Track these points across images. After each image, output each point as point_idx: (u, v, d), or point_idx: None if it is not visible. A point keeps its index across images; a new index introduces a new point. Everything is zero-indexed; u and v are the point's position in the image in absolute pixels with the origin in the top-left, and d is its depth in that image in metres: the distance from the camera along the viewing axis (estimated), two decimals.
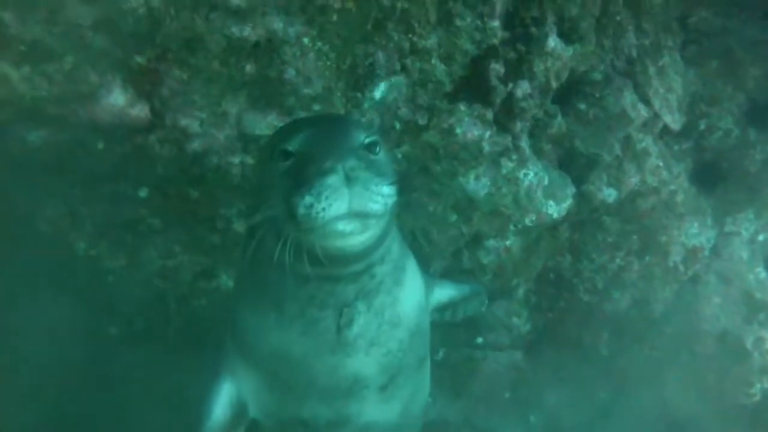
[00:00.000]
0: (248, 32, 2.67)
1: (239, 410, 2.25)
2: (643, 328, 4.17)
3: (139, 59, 2.82)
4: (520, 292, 3.67)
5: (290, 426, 2.23)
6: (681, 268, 4.11)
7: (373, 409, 2.18)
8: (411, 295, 2.18)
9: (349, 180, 1.71)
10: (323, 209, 1.69)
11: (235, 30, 2.68)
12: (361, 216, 1.76)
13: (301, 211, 1.69)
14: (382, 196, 1.75)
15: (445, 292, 2.70)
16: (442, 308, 2.70)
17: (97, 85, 2.91)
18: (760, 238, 4.49)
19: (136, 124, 2.97)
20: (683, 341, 4.32)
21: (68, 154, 3.20)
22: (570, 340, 4.00)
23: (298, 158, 1.82)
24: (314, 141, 1.85)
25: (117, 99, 2.92)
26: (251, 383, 2.21)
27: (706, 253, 4.23)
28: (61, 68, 2.88)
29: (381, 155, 1.94)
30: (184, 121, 2.89)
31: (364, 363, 2.07)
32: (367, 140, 1.91)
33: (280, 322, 2.06)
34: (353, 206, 1.72)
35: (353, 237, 1.82)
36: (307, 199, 1.68)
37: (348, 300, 2.00)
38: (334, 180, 1.69)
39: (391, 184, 1.79)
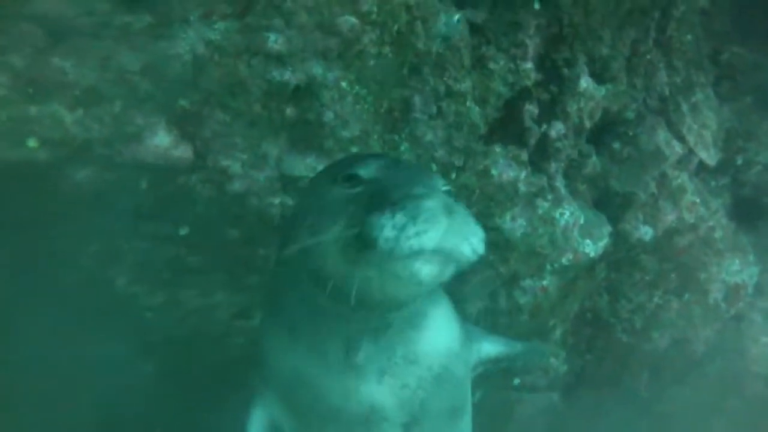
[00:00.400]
0: (288, 76, 2.75)
1: None
2: (685, 369, 4.04)
3: (183, 102, 2.94)
4: (558, 332, 3.61)
5: None
6: (723, 306, 4.00)
7: None
8: (433, 339, 2.09)
9: (448, 210, 1.49)
10: (416, 234, 1.44)
11: (275, 74, 2.77)
12: (448, 258, 1.54)
13: (388, 233, 1.44)
14: (476, 240, 1.57)
15: (495, 348, 2.57)
16: (495, 361, 2.57)
17: (143, 126, 3.03)
18: None
19: (179, 165, 3.07)
20: (729, 383, 4.16)
21: (113, 192, 3.31)
22: (608, 381, 3.89)
23: (374, 185, 1.64)
24: (393, 170, 1.70)
25: (161, 140, 3.03)
26: (278, 408, 2.18)
27: (750, 290, 4.11)
28: (110, 111, 3.02)
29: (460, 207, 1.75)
30: (225, 162, 2.97)
31: (378, 391, 1.99)
32: (444, 188, 1.78)
33: (292, 341, 2.03)
34: (446, 242, 1.49)
35: (426, 279, 1.57)
36: (399, 219, 1.44)
37: (357, 330, 1.94)
38: (433, 204, 1.48)
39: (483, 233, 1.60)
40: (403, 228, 1.44)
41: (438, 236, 1.47)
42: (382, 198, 1.51)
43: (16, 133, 2.98)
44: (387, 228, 1.45)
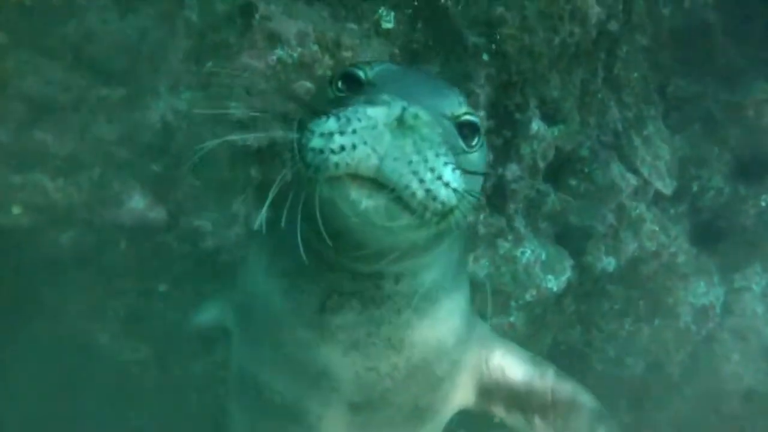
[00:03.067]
0: (251, 140, 2.94)
1: (218, 329, 2.23)
2: (662, 392, 4.12)
3: (155, 167, 3.11)
4: None
5: (248, 388, 1.95)
6: (693, 328, 4.11)
7: (337, 425, 1.83)
8: (429, 329, 1.77)
9: (402, 128, 1.14)
10: (341, 148, 1.13)
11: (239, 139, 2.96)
12: (391, 192, 1.18)
13: (315, 142, 1.15)
14: (439, 179, 1.18)
15: (516, 366, 2.01)
16: (511, 387, 1.99)
17: (120, 191, 3.20)
18: None
19: (155, 225, 3.22)
20: (707, 403, 4.24)
21: (94, 252, 3.45)
22: None
23: (366, 89, 1.35)
24: (399, 75, 1.39)
25: (137, 203, 3.19)
26: (233, 321, 2.08)
27: (718, 311, 4.23)
28: (89, 178, 3.18)
29: (475, 154, 1.44)
30: (197, 222, 3.13)
31: (340, 362, 1.73)
32: (465, 117, 1.42)
33: (269, 272, 1.79)
34: (385, 168, 1.15)
35: (367, 214, 1.23)
36: (328, 125, 1.14)
37: (342, 290, 1.65)
38: (378, 114, 1.14)
39: (462, 174, 1.22)
40: (329, 138, 1.14)
41: (374, 158, 1.14)
42: (347, 103, 1.21)
43: (0, 201, 3.15)
44: (315, 136, 1.16)
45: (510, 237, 3.33)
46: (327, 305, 1.67)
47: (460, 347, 1.89)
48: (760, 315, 4.36)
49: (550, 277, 3.43)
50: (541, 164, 3.38)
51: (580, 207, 3.59)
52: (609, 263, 3.69)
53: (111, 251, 3.41)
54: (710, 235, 4.20)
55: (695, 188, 4.19)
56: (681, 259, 3.96)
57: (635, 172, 3.74)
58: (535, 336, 3.60)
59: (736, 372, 4.15)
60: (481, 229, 3.25)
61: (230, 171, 3.00)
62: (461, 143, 1.42)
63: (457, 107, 1.43)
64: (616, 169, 3.64)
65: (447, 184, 1.21)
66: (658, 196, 3.98)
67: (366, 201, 1.22)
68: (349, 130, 1.15)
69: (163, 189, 3.12)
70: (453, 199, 1.23)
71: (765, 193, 4.14)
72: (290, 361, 1.78)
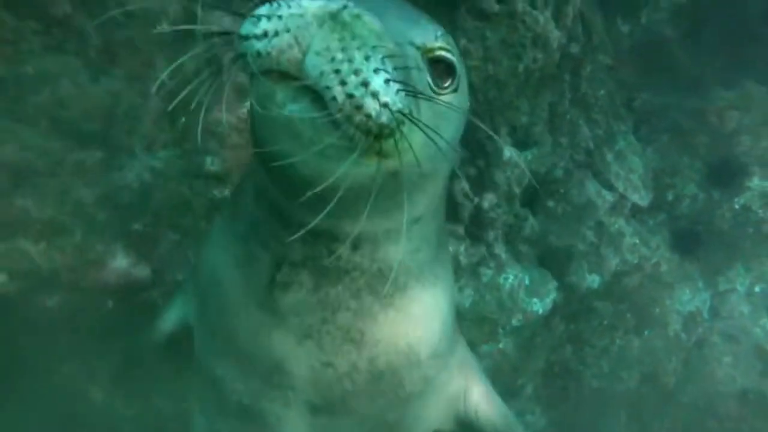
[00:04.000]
0: (227, 193, 2.99)
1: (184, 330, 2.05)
2: (660, 402, 4.14)
3: (136, 226, 3.15)
4: (529, 389, 3.72)
5: (207, 386, 1.81)
6: (683, 335, 4.15)
7: (297, 426, 1.66)
8: (397, 326, 1.55)
9: (334, 22, 1.01)
10: (264, 34, 1.03)
11: (216, 192, 3.01)
12: (314, 94, 1.05)
13: (242, 28, 1.06)
14: (364, 86, 1.01)
15: (491, 409, 1.87)
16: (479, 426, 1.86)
17: (103, 252, 3.22)
18: (757, 289, 4.55)
19: (140, 283, 3.24)
20: (704, 408, 4.26)
21: (81, 313, 3.46)
22: (588, 427, 3.98)
23: None
24: None
25: (120, 262, 3.21)
26: (193, 311, 1.89)
27: (705, 315, 4.28)
28: (71, 241, 3.21)
29: (446, 97, 1.22)
30: (180, 276, 3.15)
31: (294, 353, 1.54)
32: (439, 52, 1.21)
33: (226, 241, 1.62)
34: (307, 63, 1.02)
35: (300, 126, 1.10)
36: (260, 10, 1.04)
37: (293, 259, 1.45)
38: (312, 4, 1.03)
39: (403, 94, 1.06)
40: (255, 24, 1.04)
41: (296, 48, 1.02)
42: None
43: None
44: (247, 23, 1.06)
45: (492, 264, 3.38)
46: (277, 278, 1.47)
47: (436, 363, 1.66)
48: (747, 315, 4.42)
49: (535, 300, 3.48)
50: (517, 190, 3.45)
51: (560, 228, 3.66)
52: (593, 280, 3.75)
53: (98, 311, 3.42)
54: (690, 241, 4.28)
55: (671, 197, 4.28)
56: (664, 268, 4.03)
57: (610, 188, 3.82)
58: (527, 359, 3.63)
59: (729, 374, 4.18)
60: (463, 260, 3.30)
61: (207, 222, 3.03)
62: (429, 80, 1.20)
63: (432, 40, 1.21)
64: (591, 187, 3.71)
65: (375, 95, 1.03)
66: (636, 209, 4.06)
67: (290, 105, 1.07)
68: (276, 15, 1.03)
69: (146, 246, 3.15)
70: (383, 116, 1.03)
71: (737, 195, 4.23)
72: (244, 353, 1.61)
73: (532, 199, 3.65)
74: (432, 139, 1.15)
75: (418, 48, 1.19)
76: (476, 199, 3.32)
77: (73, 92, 3.26)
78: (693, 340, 4.20)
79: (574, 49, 3.69)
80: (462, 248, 3.31)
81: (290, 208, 1.36)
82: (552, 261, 3.71)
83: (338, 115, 1.04)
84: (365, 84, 1.03)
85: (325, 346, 1.53)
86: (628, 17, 4.12)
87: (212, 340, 1.72)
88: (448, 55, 1.24)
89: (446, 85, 1.25)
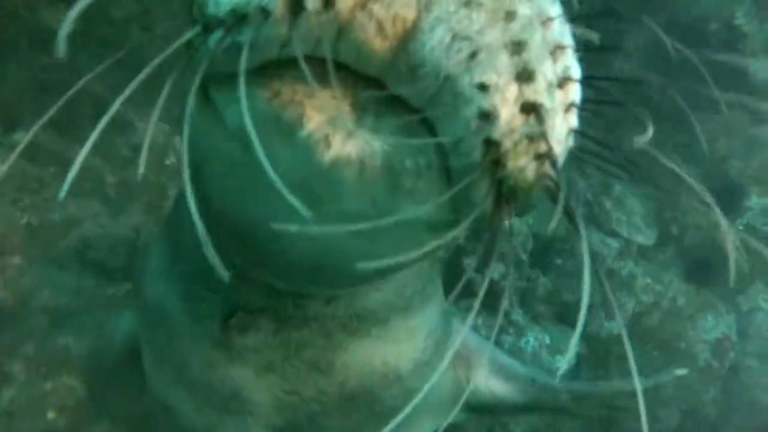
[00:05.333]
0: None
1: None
2: None
3: None
4: None
5: (159, 413, 1.68)
6: (714, 363, 4.16)
7: None
8: (377, 354, 1.38)
9: None
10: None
11: None
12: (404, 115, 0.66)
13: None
14: (567, 107, 0.68)
15: (505, 386, 1.80)
16: (496, 406, 1.78)
17: None
18: None
19: None
20: None
21: None
22: None
23: None
24: None
25: None
26: (140, 329, 1.73)
27: (734, 338, 4.29)
28: None
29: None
30: None
31: (253, 384, 1.41)
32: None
33: (169, 271, 1.43)
34: (425, 50, 0.63)
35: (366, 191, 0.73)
36: None
37: (249, 306, 1.24)
38: None
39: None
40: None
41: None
42: None
43: (34, 410, 3.34)
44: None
45: (511, 330, 3.48)
46: (231, 323, 1.29)
47: (422, 373, 1.47)
48: None
49: (558, 357, 3.55)
50: (524, 256, 3.59)
51: (572, 282, 3.76)
52: (613, 327, 3.82)
53: None
54: (703, 269, 4.33)
55: (675, 230, 4.36)
56: (681, 301, 4.08)
57: (614, 235, 3.94)
58: (560, 415, 3.67)
59: None
60: (482, 332, 3.41)
61: None
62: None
63: None
64: (595, 238, 3.83)
65: (569, 111, 0.69)
66: (643, 249, 4.16)
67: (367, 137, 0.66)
68: None
69: None
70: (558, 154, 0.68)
71: (740, 217, 4.31)
72: (197, 383, 1.47)
73: (541, 258, 3.77)
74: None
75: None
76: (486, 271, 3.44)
77: (97, 232, 3.52)
78: (726, 366, 4.19)
79: None
80: (479, 321, 3.43)
81: (252, 273, 1.11)
82: (570, 316, 3.80)
83: (488, 155, 0.62)
84: (555, 88, 0.64)
85: (289, 377, 1.38)
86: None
87: (162, 368, 1.59)
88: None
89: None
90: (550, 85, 0.64)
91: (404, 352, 1.42)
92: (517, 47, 0.61)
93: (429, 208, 0.67)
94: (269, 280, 1.12)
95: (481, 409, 1.77)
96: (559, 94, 0.66)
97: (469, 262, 3.45)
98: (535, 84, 0.62)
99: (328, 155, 0.64)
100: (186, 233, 1.34)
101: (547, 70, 0.64)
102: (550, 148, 0.65)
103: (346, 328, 1.28)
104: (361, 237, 0.66)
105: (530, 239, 3.61)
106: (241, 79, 0.59)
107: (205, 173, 0.79)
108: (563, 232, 3.80)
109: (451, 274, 3.62)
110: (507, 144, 0.63)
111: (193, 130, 0.67)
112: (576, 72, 0.68)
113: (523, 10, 0.62)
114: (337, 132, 0.64)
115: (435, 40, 0.60)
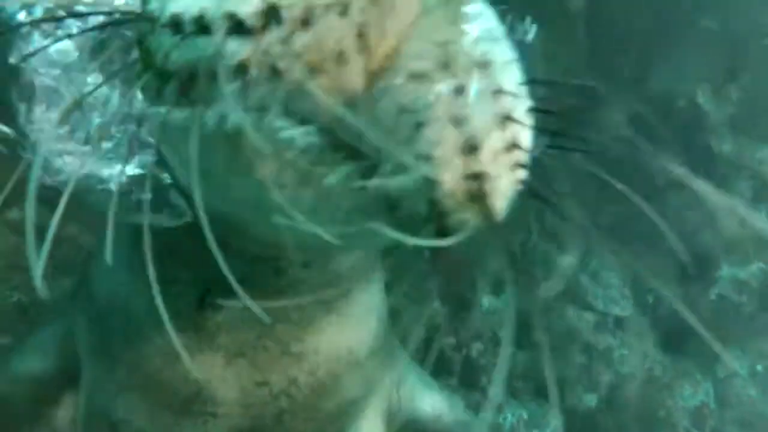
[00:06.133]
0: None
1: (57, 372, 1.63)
2: None
3: None
4: None
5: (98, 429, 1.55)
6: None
7: None
8: (343, 336, 1.44)
9: None
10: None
11: None
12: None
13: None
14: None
15: (431, 402, 1.85)
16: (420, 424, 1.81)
17: None
18: (759, 368, 4.65)
19: None
20: None
21: None
22: None
23: None
24: None
25: None
26: (82, 342, 1.58)
27: (713, 406, 4.40)
28: None
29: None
30: None
31: (220, 375, 1.36)
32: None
33: (133, 261, 1.19)
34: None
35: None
36: None
37: (225, 280, 1.10)
38: None
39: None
40: None
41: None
42: None
43: None
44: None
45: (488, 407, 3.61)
46: (206, 300, 1.29)
47: (374, 362, 1.54)
48: (756, 398, 4.51)
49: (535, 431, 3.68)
50: (501, 333, 3.76)
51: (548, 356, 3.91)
52: (590, 400, 3.95)
53: None
54: (678, 338, 4.47)
55: (651, 300, 4.53)
56: (658, 370, 4.22)
57: (590, 309, 4.11)
58: None
59: None
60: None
61: None
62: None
63: None
64: (571, 313, 4.01)
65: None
66: (619, 320, 4.32)
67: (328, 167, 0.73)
68: None
69: None
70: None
71: (712, 286, 4.48)
72: (153, 384, 1.41)
73: (518, 334, 3.92)
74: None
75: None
76: (464, 350, 3.63)
77: None
78: None
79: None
80: (459, 396, 3.58)
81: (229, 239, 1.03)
82: (546, 390, 3.91)
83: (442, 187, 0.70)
84: (501, 154, 0.71)
85: (260, 363, 1.36)
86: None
87: (111, 377, 1.49)
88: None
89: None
90: (496, 153, 0.70)
91: (363, 337, 1.48)
92: (464, 120, 0.66)
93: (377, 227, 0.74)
94: (243, 246, 1.11)
95: (397, 419, 1.76)
96: (505, 158, 0.72)
97: (448, 343, 3.63)
98: (480, 155, 0.68)
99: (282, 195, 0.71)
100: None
101: (493, 141, 0.68)
102: (492, 208, 0.73)
103: (318, 298, 1.33)
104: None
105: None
106: (195, 130, 0.68)
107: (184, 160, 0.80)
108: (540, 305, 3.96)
109: (428, 352, 3.79)
110: (449, 203, 0.70)
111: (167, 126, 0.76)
112: (525, 139, 0.74)
113: (474, 84, 0.66)
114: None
115: (381, 111, 0.65)
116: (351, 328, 1.46)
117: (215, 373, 1.36)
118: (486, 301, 3.73)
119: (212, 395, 1.38)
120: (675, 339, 4.49)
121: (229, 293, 1.04)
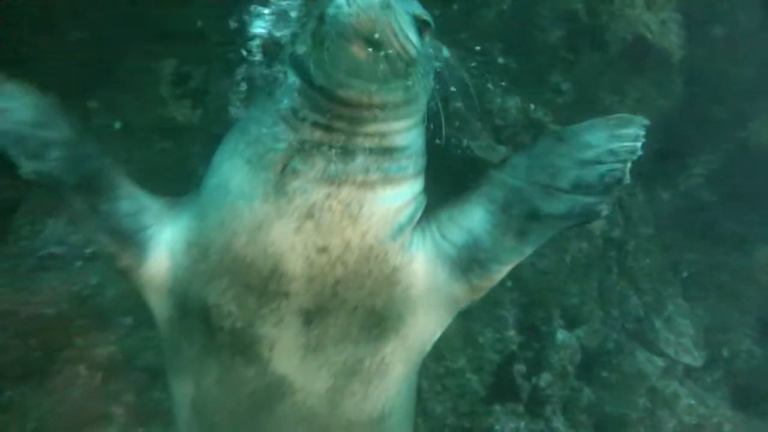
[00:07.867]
0: None
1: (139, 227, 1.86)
2: None
3: None
4: None
5: (193, 322, 1.82)
6: None
7: (290, 350, 1.74)
8: (391, 203, 1.76)
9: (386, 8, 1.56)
10: (343, 4, 1.53)
11: None
12: (379, 48, 1.57)
13: (333, 9, 1.55)
14: (407, 38, 1.60)
15: (468, 212, 1.89)
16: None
17: None
18: None
19: None
20: None
21: None
22: None
23: None
24: None
25: None
26: (183, 238, 1.84)
27: None
28: None
29: (425, 42, 1.73)
30: None
31: (291, 244, 1.69)
32: (422, 15, 1.74)
33: (237, 147, 1.81)
34: (378, 26, 1.55)
35: (350, 63, 1.58)
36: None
37: (309, 143, 1.71)
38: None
39: (421, 41, 1.66)
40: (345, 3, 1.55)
41: (359, 16, 1.56)
42: None
43: None
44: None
45: None
46: (289, 165, 1.70)
47: (410, 227, 1.81)
48: None
49: None
50: (570, 369, 3.85)
51: (613, 396, 3.96)
52: None
53: None
54: (753, 398, 4.38)
55: (726, 354, 4.47)
56: (727, 428, 4.16)
57: (661, 354, 4.11)
58: None
59: None
60: None
61: None
62: (415, 34, 1.70)
63: (418, 9, 1.76)
64: (641, 356, 4.04)
65: (413, 42, 1.63)
66: (690, 369, 4.29)
67: (353, 51, 1.57)
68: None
69: None
70: (419, 57, 1.64)
71: None
72: (239, 265, 1.71)
73: (587, 369, 4.00)
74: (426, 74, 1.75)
75: (411, 15, 1.71)
76: (533, 379, 3.74)
77: None
78: None
79: (616, 233, 4.16)
80: (522, 424, 3.70)
81: (324, 84, 1.66)
82: (606, 428, 3.98)
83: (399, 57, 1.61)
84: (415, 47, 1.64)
85: (324, 225, 1.69)
86: (666, 186, 4.56)
87: (205, 264, 1.76)
88: (427, 17, 1.77)
89: (424, 37, 1.76)
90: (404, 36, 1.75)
91: (405, 203, 1.79)
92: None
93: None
94: (333, 92, 1.67)
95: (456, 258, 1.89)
96: (406, 37, 1.74)
97: (518, 369, 3.75)
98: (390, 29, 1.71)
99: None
100: (265, 100, 1.79)
101: (390, 28, 1.71)
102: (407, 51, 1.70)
103: (379, 165, 1.73)
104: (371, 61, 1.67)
105: (578, 353, 3.88)
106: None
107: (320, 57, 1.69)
108: (612, 346, 4.03)
109: (500, 377, 3.92)
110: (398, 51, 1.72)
111: None
112: (414, 38, 1.74)
113: None
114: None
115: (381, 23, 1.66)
116: (398, 194, 1.78)
117: (287, 241, 1.69)
118: (560, 335, 3.84)
119: (285, 270, 1.70)
120: (749, 398, 4.40)
121: (308, 156, 1.70)
